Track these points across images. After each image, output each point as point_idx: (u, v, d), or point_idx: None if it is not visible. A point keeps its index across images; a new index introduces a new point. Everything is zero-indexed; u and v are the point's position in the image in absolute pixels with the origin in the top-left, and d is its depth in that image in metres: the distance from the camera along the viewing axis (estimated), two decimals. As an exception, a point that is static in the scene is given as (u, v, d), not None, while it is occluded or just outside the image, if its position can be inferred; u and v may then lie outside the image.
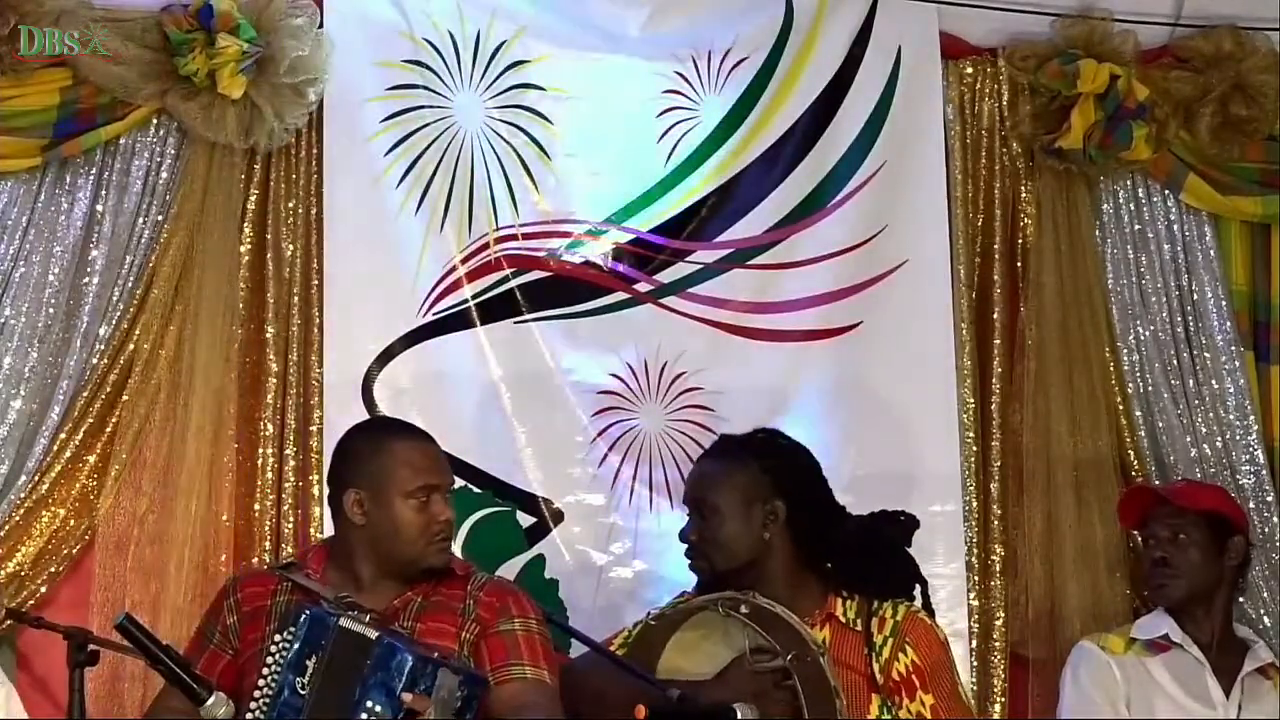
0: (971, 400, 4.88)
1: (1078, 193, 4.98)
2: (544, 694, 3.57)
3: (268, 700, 3.42)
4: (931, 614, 3.99)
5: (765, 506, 3.86)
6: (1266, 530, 4.95)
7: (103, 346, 4.38)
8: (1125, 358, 4.99)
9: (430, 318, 4.58)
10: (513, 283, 4.64)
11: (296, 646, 3.39)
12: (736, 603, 3.68)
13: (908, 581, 3.97)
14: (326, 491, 3.66)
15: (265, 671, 3.44)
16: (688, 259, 4.76)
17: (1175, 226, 5.08)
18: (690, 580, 4.03)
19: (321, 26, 4.51)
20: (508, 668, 3.57)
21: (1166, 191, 5.07)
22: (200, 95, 4.37)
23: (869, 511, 4.05)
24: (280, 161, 4.53)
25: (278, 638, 3.45)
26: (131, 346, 4.39)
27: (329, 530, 4.27)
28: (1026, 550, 4.84)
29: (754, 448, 3.98)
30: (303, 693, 3.37)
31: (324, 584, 3.60)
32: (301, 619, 3.41)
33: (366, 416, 4.44)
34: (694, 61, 4.77)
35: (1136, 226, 5.06)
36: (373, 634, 3.37)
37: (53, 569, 4.34)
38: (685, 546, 3.97)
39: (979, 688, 4.77)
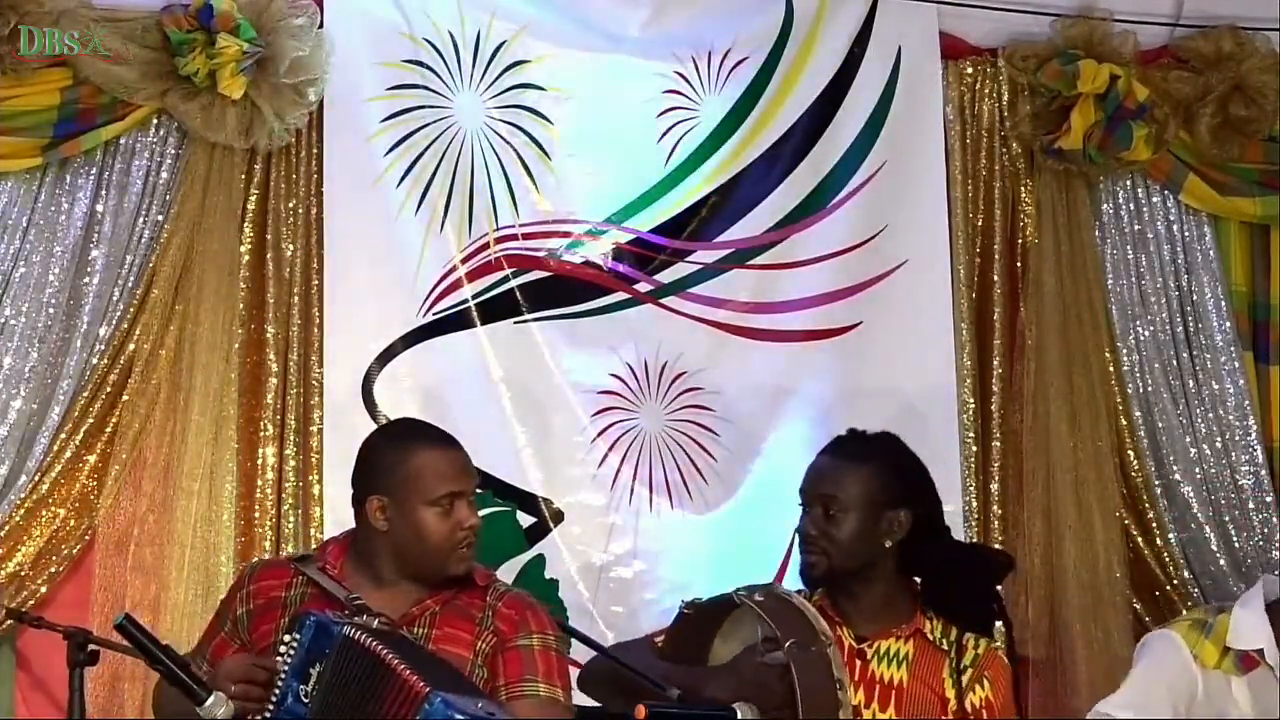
0: (971, 400, 4.88)
1: (1078, 193, 4.99)
2: (557, 711, 3.55)
3: (271, 705, 3.40)
4: (1012, 657, 3.88)
5: (891, 513, 3.77)
6: (1266, 530, 4.95)
7: (103, 346, 4.38)
8: (1125, 358, 4.99)
9: (430, 318, 4.58)
10: (513, 283, 4.64)
11: (301, 654, 3.36)
12: (753, 590, 3.62)
13: (989, 619, 3.87)
14: (350, 493, 3.61)
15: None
16: (688, 259, 4.76)
17: (1175, 227, 5.08)
18: (692, 579, 4.01)
19: (321, 26, 4.51)
20: (522, 684, 3.52)
21: (1166, 192, 5.07)
22: (200, 95, 4.37)
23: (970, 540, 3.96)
24: (280, 161, 4.53)
25: (283, 644, 3.41)
26: (131, 346, 4.39)
27: (329, 530, 4.29)
28: (1026, 550, 4.83)
29: (883, 451, 3.88)
30: (305, 701, 3.34)
31: (342, 578, 3.58)
32: (306, 625, 3.38)
33: (367, 416, 4.45)
34: (694, 61, 4.77)
35: (1136, 227, 5.06)
36: (380, 649, 3.31)
37: (53, 569, 4.34)
38: (801, 540, 3.81)
39: (979, 688, 4.78)
